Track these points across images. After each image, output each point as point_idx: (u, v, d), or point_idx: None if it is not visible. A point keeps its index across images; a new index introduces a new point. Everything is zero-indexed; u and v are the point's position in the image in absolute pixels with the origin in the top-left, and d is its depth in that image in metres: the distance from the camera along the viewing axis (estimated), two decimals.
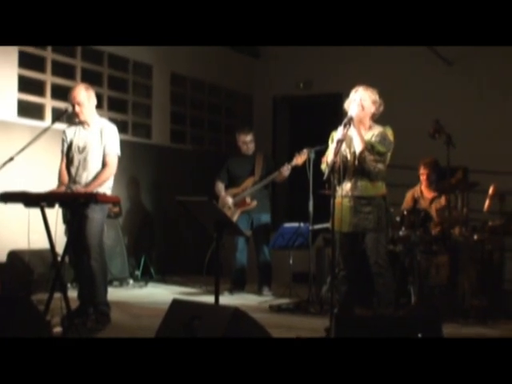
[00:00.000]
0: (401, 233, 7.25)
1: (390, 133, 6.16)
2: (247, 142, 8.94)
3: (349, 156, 6.12)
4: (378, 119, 6.26)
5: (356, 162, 6.09)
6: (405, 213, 7.43)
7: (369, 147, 6.03)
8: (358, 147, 6.02)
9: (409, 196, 8.13)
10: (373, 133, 6.15)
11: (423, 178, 8.01)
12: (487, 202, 7.52)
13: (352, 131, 5.98)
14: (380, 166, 6.11)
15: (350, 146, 6.10)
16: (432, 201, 7.90)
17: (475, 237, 7.41)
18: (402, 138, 6.30)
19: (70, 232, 6.22)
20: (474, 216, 7.72)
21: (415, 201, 8.04)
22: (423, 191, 8.05)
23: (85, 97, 6.33)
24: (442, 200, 7.75)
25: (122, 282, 9.22)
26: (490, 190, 7.48)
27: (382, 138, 6.09)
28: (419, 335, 4.21)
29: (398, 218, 7.34)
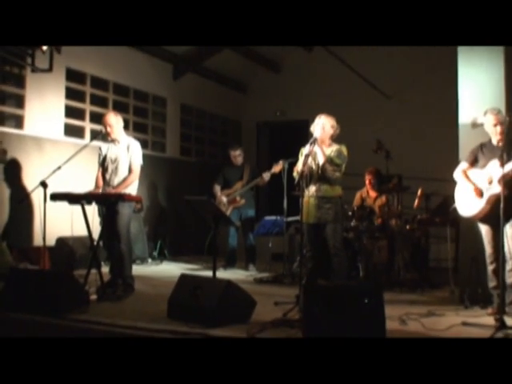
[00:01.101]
0: (352, 224, 7.24)
1: (344, 149, 6.16)
2: (236, 155, 8.93)
3: (314, 166, 6.11)
4: (335, 139, 6.24)
5: (319, 171, 6.08)
6: (355, 208, 7.43)
7: (329, 160, 6.04)
8: (321, 160, 6.02)
9: (358, 196, 8.12)
10: (332, 149, 6.14)
11: (368, 182, 8.01)
12: (416, 201, 7.50)
13: (316, 148, 5.98)
14: (337, 174, 6.12)
15: (314, 159, 6.10)
16: (375, 199, 7.88)
17: (407, 227, 7.41)
18: (353, 152, 6.27)
19: (104, 223, 6.20)
20: (407, 211, 7.70)
21: (363, 199, 8.03)
22: (368, 192, 8.03)
23: (114, 120, 6.31)
24: (383, 199, 7.73)
25: (143, 260, 9.16)
26: (419, 192, 7.46)
27: (339, 153, 6.10)
28: (366, 301, 4.18)
29: (350, 213, 7.33)
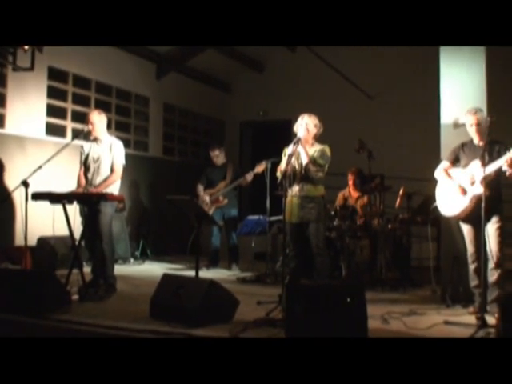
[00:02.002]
0: (335, 223, 7.24)
1: (327, 150, 6.17)
2: (215, 155, 8.92)
3: (297, 166, 6.11)
4: (318, 138, 6.24)
5: (302, 171, 6.09)
6: (337, 208, 7.44)
7: (312, 160, 6.04)
8: (305, 160, 6.03)
9: (340, 195, 8.13)
10: (315, 149, 6.15)
11: (350, 182, 8.02)
12: (398, 201, 7.54)
13: (300, 149, 5.98)
14: (320, 174, 6.13)
15: (298, 159, 6.10)
16: (357, 199, 7.90)
17: (389, 226, 7.42)
18: (335, 152, 6.27)
19: (85, 222, 6.16)
20: (389, 211, 7.71)
21: (345, 199, 8.04)
22: (351, 192, 8.05)
23: (97, 119, 6.28)
24: (365, 198, 7.75)
25: (125, 260, 9.11)
26: (400, 192, 7.49)
27: (322, 153, 6.11)
28: (348, 300, 4.18)
29: (332, 212, 7.34)
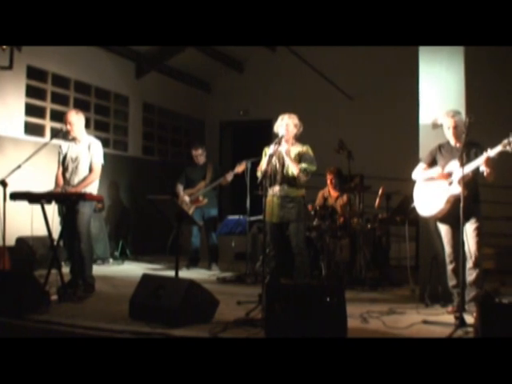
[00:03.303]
0: (314, 223, 7.25)
1: (310, 151, 6.21)
2: (198, 154, 8.90)
3: (278, 166, 6.13)
4: (298, 138, 6.25)
5: (283, 171, 6.11)
6: (317, 208, 7.45)
7: (303, 171, 6.09)
8: (295, 171, 6.07)
9: (320, 195, 8.15)
10: (298, 149, 6.17)
11: (329, 181, 8.04)
12: (377, 201, 7.56)
13: (287, 160, 6.07)
14: (305, 178, 6.16)
15: (279, 159, 6.11)
16: (337, 199, 7.92)
17: (369, 226, 7.46)
18: (315, 152, 6.27)
19: (64, 222, 6.13)
20: (368, 210, 7.75)
21: (325, 199, 8.06)
22: (330, 191, 8.07)
23: (75, 118, 6.24)
24: (345, 198, 7.77)
25: (104, 260, 9.04)
26: (380, 192, 7.51)
27: (311, 159, 6.16)
28: (328, 299, 4.19)
29: (312, 212, 7.36)
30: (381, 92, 10.64)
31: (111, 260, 9.24)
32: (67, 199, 5.90)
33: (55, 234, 5.99)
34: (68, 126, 6.19)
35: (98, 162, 6.25)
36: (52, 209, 6.02)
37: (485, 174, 4.89)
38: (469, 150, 5.08)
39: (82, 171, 6.20)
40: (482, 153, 4.89)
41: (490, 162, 4.83)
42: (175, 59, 10.90)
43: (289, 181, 6.13)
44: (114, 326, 4.54)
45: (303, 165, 6.09)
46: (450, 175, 5.15)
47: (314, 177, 6.41)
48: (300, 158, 6.14)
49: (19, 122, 8.45)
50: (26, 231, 7.26)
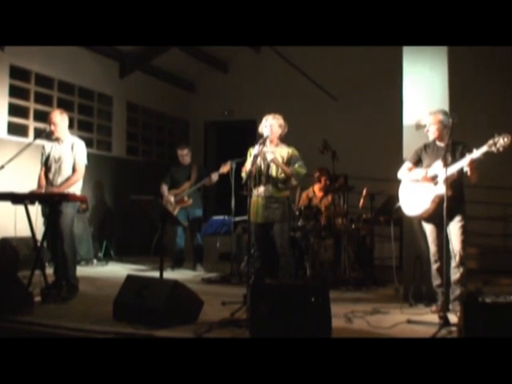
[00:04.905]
0: (299, 223, 7.27)
1: (296, 152, 6.23)
2: (184, 154, 8.88)
3: (263, 166, 6.15)
4: (283, 138, 6.27)
5: (268, 172, 6.15)
6: (302, 208, 7.47)
7: (294, 174, 6.18)
8: (285, 175, 6.14)
9: (304, 195, 8.16)
10: (286, 151, 6.22)
11: (323, 180, 7.99)
12: (361, 201, 7.58)
13: (279, 168, 6.13)
14: (296, 181, 6.31)
15: (264, 159, 6.12)
16: (321, 199, 7.94)
17: (353, 226, 7.49)
18: (299, 152, 6.30)
19: (47, 223, 6.08)
20: (352, 210, 7.78)
21: (309, 199, 8.07)
22: (315, 192, 8.08)
23: (59, 118, 6.20)
24: (329, 198, 7.80)
25: (88, 261, 9.00)
26: (364, 192, 7.55)
27: (301, 162, 6.20)
28: (312, 299, 4.20)
29: (297, 212, 7.37)
30: (365, 92, 10.66)
31: (95, 261, 9.19)
32: (50, 200, 5.86)
33: (39, 235, 5.96)
34: (52, 127, 6.15)
35: (82, 162, 6.21)
36: (36, 209, 5.99)
37: (468, 174, 4.92)
38: (454, 149, 5.11)
39: (66, 171, 6.16)
40: (467, 152, 4.92)
41: (473, 163, 4.85)
42: (159, 59, 10.87)
43: (273, 181, 6.14)
44: (98, 327, 4.52)
45: (296, 168, 6.12)
46: (434, 179, 5.18)
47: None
48: (289, 161, 6.16)
49: (2, 122, 8.38)
50: (9, 232, 7.18)
